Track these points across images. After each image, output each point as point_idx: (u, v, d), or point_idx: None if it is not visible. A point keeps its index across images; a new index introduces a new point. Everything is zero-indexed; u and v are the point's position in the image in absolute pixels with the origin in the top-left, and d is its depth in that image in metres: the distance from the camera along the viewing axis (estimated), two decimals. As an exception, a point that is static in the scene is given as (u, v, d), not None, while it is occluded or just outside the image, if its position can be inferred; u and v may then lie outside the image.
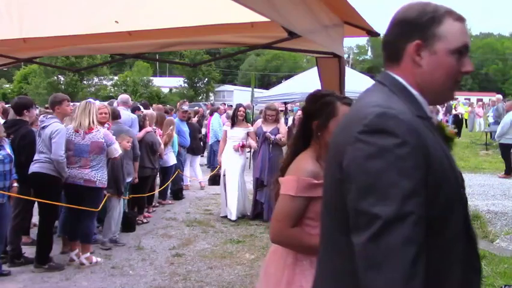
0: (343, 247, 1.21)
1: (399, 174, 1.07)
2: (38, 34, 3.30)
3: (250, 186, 7.30)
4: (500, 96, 17.71)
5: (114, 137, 5.18)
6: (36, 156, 4.78)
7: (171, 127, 7.57)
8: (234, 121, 7.12)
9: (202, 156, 13.22)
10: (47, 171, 4.68)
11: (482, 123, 21.93)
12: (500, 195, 8.33)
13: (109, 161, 5.21)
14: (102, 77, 36.77)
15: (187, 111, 9.33)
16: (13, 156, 4.47)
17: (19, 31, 3.20)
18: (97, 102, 5.48)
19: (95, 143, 4.90)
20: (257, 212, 6.90)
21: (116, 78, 41.10)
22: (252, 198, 7.03)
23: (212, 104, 19.83)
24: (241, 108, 7.18)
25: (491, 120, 14.19)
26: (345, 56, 3.22)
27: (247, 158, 7.56)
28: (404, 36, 1.27)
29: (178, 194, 8.40)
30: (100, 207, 5.10)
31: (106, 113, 5.50)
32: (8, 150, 4.43)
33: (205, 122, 12.75)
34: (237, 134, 7.00)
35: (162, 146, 6.95)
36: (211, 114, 11.64)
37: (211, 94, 47.28)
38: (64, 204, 5.04)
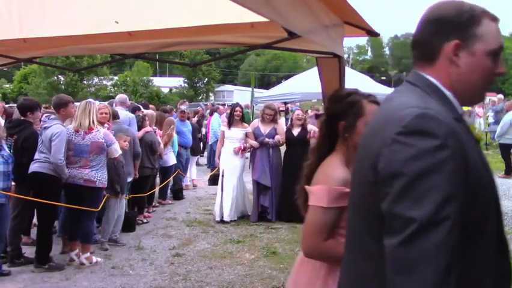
0: (372, 251, 1.17)
1: (439, 177, 1.03)
2: (38, 34, 3.29)
3: (250, 186, 7.28)
4: (501, 96, 17.71)
5: (114, 138, 5.18)
6: (36, 156, 4.78)
7: (171, 127, 7.57)
8: (230, 121, 7.04)
9: (202, 156, 13.24)
10: (47, 171, 4.68)
11: (482, 123, 21.92)
12: (500, 195, 8.32)
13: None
14: (102, 77, 36.77)
15: (184, 111, 9.33)
16: (13, 156, 4.48)
17: (19, 31, 3.20)
18: (97, 103, 5.48)
19: (95, 143, 4.90)
20: (259, 214, 6.84)
21: (116, 78, 41.09)
22: (253, 200, 6.97)
23: (212, 104, 19.81)
24: (238, 108, 7.06)
25: (491, 120, 14.20)
26: (345, 56, 3.22)
27: (247, 158, 7.51)
28: (441, 35, 1.23)
29: (178, 194, 8.40)
30: (99, 207, 5.10)
31: (106, 113, 5.52)
32: (7, 150, 4.43)
33: (205, 122, 12.76)
34: (235, 135, 6.93)
35: (162, 145, 6.94)
36: (211, 114, 11.65)
37: (211, 94, 47.28)
38: (64, 204, 5.04)
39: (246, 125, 7.12)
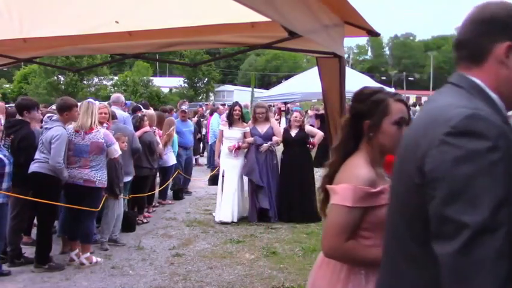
0: (414, 253, 1.14)
1: (492, 180, 0.99)
2: (38, 34, 3.29)
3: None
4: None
5: (114, 138, 5.18)
6: (36, 155, 4.77)
7: (172, 127, 7.57)
8: (230, 121, 6.99)
9: (202, 156, 13.24)
10: (47, 171, 4.68)
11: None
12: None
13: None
14: (102, 77, 36.74)
15: (185, 111, 9.33)
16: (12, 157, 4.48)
17: (19, 31, 3.20)
18: (97, 103, 5.48)
19: (95, 143, 4.89)
20: (259, 215, 6.79)
21: (116, 78, 41.07)
22: (249, 200, 6.90)
23: (213, 104, 19.82)
24: (237, 108, 7.01)
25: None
26: (345, 56, 3.22)
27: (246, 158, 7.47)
28: (491, 36, 1.18)
29: (178, 194, 8.40)
30: (99, 207, 5.10)
31: (106, 113, 5.52)
32: (5, 150, 4.44)
33: (205, 122, 12.76)
34: (234, 135, 6.88)
35: (160, 145, 6.92)
36: (211, 114, 11.65)
37: (211, 94, 47.28)
38: (64, 205, 5.04)
39: (245, 124, 7.09)
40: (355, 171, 1.81)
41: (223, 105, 15.81)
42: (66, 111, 4.82)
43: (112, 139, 5.07)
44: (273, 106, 16.65)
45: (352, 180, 1.78)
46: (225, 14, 2.76)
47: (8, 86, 42.91)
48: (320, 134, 7.02)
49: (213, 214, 6.99)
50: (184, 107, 9.88)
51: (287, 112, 14.63)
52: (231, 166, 6.86)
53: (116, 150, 5.12)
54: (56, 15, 3.08)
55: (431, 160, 1.07)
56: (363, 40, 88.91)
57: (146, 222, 6.70)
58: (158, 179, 7.83)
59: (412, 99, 37.77)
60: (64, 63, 28.58)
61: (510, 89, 1.20)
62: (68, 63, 29.42)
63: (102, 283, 4.52)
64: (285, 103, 15.12)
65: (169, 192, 8.35)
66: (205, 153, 12.59)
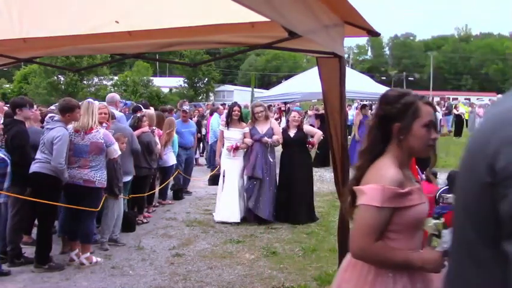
0: (484, 256, 1.11)
1: None
2: (38, 34, 3.30)
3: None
4: (500, 97, 17.70)
5: (113, 138, 5.18)
6: (38, 155, 4.78)
7: (172, 127, 7.57)
8: (228, 121, 6.98)
9: (202, 156, 13.24)
10: (47, 172, 4.68)
11: (483, 123, 21.89)
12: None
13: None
14: (102, 77, 36.72)
15: (186, 111, 9.32)
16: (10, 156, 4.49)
17: (19, 31, 3.20)
18: (96, 102, 5.48)
19: (94, 143, 4.89)
20: (254, 216, 6.73)
21: (116, 78, 41.07)
22: (245, 200, 6.85)
23: (212, 104, 19.82)
24: (236, 108, 6.98)
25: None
26: (345, 56, 3.22)
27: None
28: None
29: (178, 194, 8.40)
30: (99, 207, 5.10)
31: (105, 113, 5.52)
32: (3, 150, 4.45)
33: (205, 122, 12.76)
34: (233, 136, 6.86)
35: (159, 145, 6.91)
36: (211, 114, 11.64)
37: (211, 94, 47.29)
38: (64, 205, 5.04)
39: (244, 124, 7.05)
40: (383, 172, 1.81)
41: (223, 105, 15.81)
42: (68, 112, 4.81)
43: (111, 139, 5.07)
44: (274, 106, 16.66)
45: (380, 181, 1.78)
46: (225, 14, 2.76)
47: (8, 86, 42.91)
48: (319, 133, 7.01)
49: (213, 214, 6.99)
50: (185, 107, 9.86)
51: (287, 112, 14.65)
52: (231, 166, 6.85)
53: (116, 150, 5.12)
54: (56, 15, 3.08)
55: (504, 157, 1.03)
56: (363, 40, 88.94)
57: (146, 222, 6.70)
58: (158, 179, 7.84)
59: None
60: (64, 63, 28.56)
61: None
62: (68, 63, 29.41)
63: (102, 283, 4.52)
64: (285, 103, 15.14)
65: (169, 192, 8.35)
66: (205, 153, 12.59)
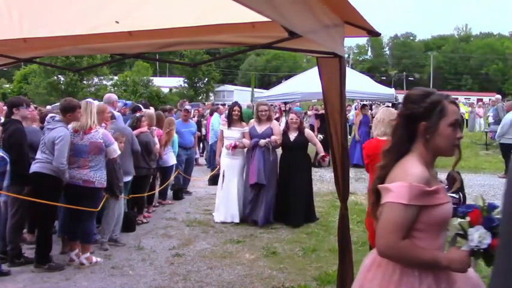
0: None
1: None
2: (38, 34, 3.29)
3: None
4: (499, 97, 17.72)
5: (113, 138, 5.17)
6: (38, 155, 4.78)
7: (171, 127, 7.57)
8: (229, 120, 6.96)
9: (202, 156, 13.24)
10: (48, 172, 4.68)
11: (483, 123, 21.95)
12: (501, 195, 8.30)
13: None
14: (102, 77, 36.73)
15: (187, 110, 9.32)
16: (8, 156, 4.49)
17: (19, 31, 3.20)
18: (96, 102, 5.48)
19: (93, 143, 4.89)
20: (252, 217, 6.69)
21: (116, 78, 41.07)
22: (249, 201, 6.77)
23: (212, 103, 19.83)
24: (236, 108, 6.98)
25: (491, 120, 14.22)
26: (345, 56, 3.22)
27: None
28: None
29: (178, 194, 8.40)
30: (99, 207, 5.10)
31: (108, 113, 5.57)
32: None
33: (205, 122, 12.75)
34: (233, 135, 6.85)
35: (157, 146, 6.90)
36: (211, 114, 11.64)
37: (211, 94, 47.28)
38: (63, 205, 5.04)
39: (244, 124, 7.04)
40: (410, 170, 1.80)
41: (223, 105, 15.81)
42: (69, 112, 4.82)
43: (110, 139, 5.07)
44: (275, 106, 16.63)
45: (407, 179, 1.77)
46: (225, 14, 2.76)
47: (8, 86, 42.93)
48: (319, 145, 6.87)
49: (213, 214, 6.98)
50: (187, 107, 9.85)
51: (288, 112, 14.65)
52: (231, 166, 6.84)
53: (115, 150, 5.12)
54: (56, 15, 3.08)
55: None
56: (363, 40, 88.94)
57: (146, 222, 6.70)
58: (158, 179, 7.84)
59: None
60: (64, 63, 28.58)
61: None
62: (68, 63, 29.43)
63: (102, 283, 4.52)
64: (285, 103, 15.14)
65: (169, 192, 8.35)
66: (205, 153, 12.58)
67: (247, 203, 6.74)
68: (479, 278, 1.97)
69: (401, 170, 1.83)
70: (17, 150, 4.78)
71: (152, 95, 37.40)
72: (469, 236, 1.80)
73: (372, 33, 3.05)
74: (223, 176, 6.86)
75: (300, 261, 5.15)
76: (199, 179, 9.79)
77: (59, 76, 34.00)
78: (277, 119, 13.10)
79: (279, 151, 6.99)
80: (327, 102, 3.31)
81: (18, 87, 37.66)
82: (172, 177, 7.98)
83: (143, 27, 3.14)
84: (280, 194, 6.72)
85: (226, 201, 6.75)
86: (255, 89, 49.02)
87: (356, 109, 16.27)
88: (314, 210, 6.93)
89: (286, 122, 7.47)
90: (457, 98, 46.08)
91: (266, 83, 61.17)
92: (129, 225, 6.21)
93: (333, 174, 3.43)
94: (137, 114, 7.03)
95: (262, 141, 6.65)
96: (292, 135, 6.79)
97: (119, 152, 5.21)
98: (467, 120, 23.17)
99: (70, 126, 4.93)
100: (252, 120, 7.06)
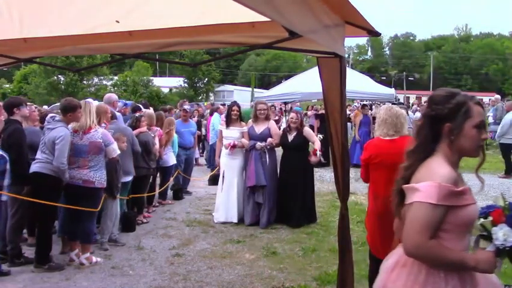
0: None
1: None
2: (39, 34, 3.29)
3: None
4: (498, 97, 17.71)
5: (112, 138, 5.17)
6: (38, 155, 4.78)
7: (171, 127, 7.57)
8: (228, 120, 6.95)
9: (202, 156, 13.24)
10: (48, 172, 4.68)
11: (482, 123, 21.87)
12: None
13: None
14: (102, 77, 36.71)
15: (186, 110, 9.32)
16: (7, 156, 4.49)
17: (19, 31, 3.20)
18: (95, 102, 5.48)
19: (93, 143, 4.89)
20: (254, 219, 6.67)
21: (116, 78, 41.07)
22: (243, 202, 6.79)
23: (212, 103, 19.82)
24: (235, 108, 6.97)
25: (491, 120, 14.24)
26: (345, 56, 3.21)
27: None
28: None
29: (178, 194, 8.40)
30: (99, 207, 5.10)
31: (109, 113, 5.59)
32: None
33: (205, 122, 12.75)
34: (232, 135, 6.84)
35: (157, 146, 6.90)
36: (211, 114, 11.63)
37: (211, 94, 47.28)
38: (63, 205, 5.03)
39: (243, 124, 7.04)
40: (438, 170, 1.79)
41: (223, 105, 15.81)
42: (70, 112, 4.82)
43: (110, 139, 5.07)
44: (275, 108, 16.58)
45: (435, 178, 1.76)
46: (225, 14, 2.76)
47: (8, 86, 42.92)
48: (317, 143, 6.76)
49: (213, 214, 6.98)
50: (186, 107, 9.84)
51: (289, 111, 14.65)
52: (230, 166, 6.83)
53: (115, 149, 5.12)
54: (56, 15, 3.08)
55: None
56: (363, 40, 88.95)
57: (146, 222, 6.70)
58: (158, 179, 7.84)
59: (412, 99, 37.75)
60: (64, 63, 28.56)
61: None
62: (68, 63, 29.41)
63: (102, 283, 4.52)
64: (285, 103, 15.13)
65: (169, 192, 8.35)
66: (205, 153, 12.58)
67: (247, 206, 6.72)
68: (498, 280, 1.98)
69: (428, 170, 1.82)
70: (16, 151, 4.78)
71: (152, 95, 37.39)
72: (493, 235, 1.79)
73: (372, 33, 3.05)
74: (223, 176, 6.85)
75: (300, 261, 5.15)
76: (199, 179, 9.79)
77: (59, 76, 33.98)
78: (277, 121, 13.09)
79: (279, 151, 6.98)
80: (327, 102, 3.30)
81: (18, 87, 37.65)
82: (171, 178, 7.98)
83: (143, 27, 3.13)
84: (281, 194, 6.71)
85: (226, 202, 6.74)
86: (255, 89, 49.06)
87: (356, 109, 16.23)
88: (315, 212, 6.86)
89: (287, 122, 7.45)
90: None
91: (266, 83, 61.18)
92: (129, 225, 6.21)
93: (333, 174, 3.43)
94: (137, 114, 7.03)
95: (258, 145, 6.64)
96: (291, 136, 6.76)
97: (118, 152, 5.21)
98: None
99: (70, 126, 4.93)
100: (250, 120, 7.05)
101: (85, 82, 35.29)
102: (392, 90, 14.37)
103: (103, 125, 5.44)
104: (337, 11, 2.64)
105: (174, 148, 7.80)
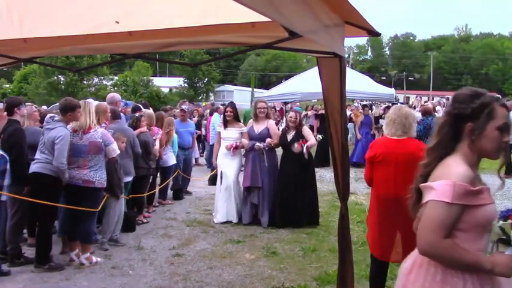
0: None
1: None
2: (38, 34, 3.29)
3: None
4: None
5: (112, 137, 5.17)
6: (37, 155, 4.78)
7: (171, 127, 7.57)
8: (225, 122, 6.94)
9: (202, 156, 13.24)
10: (48, 172, 4.68)
11: (482, 123, 21.89)
12: (501, 195, 8.31)
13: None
14: (102, 77, 36.69)
15: (184, 110, 9.32)
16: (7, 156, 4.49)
17: (19, 31, 3.20)
18: (95, 102, 5.48)
19: (93, 143, 4.89)
20: (252, 219, 6.68)
21: (116, 78, 41.05)
22: (247, 204, 6.78)
23: (212, 103, 19.81)
24: (228, 109, 6.95)
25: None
26: (345, 56, 3.21)
27: (243, 157, 7.43)
28: None
29: (178, 194, 8.40)
30: (99, 208, 5.10)
31: (108, 112, 5.61)
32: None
33: (205, 122, 12.75)
34: (231, 135, 6.82)
35: (157, 146, 6.90)
36: (211, 114, 11.63)
37: (211, 94, 47.26)
38: (63, 205, 5.03)
39: (241, 124, 7.04)
40: (454, 169, 1.78)
41: (223, 105, 15.81)
42: (69, 112, 4.82)
43: (110, 138, 5.07)
44: (276, 109, 16.54)
45: (451, 177, 1.74)
46: (225, 14, 2.76)
47: (8, 86, 42.88)
48: (312, 141, 6.71)
49: (213, 214, 6.98)
50: (183, 107, 9.84)
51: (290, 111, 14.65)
52: (228, 167, 6.80)
53: (115, 149, 5.12)
54: (56, 15, 3.08)
55: None
56: (363, 40, 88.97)
57: (146, 222, 6.70)
58: (158, 179, 7.84)
59: (412, 99, 37.75)
60: (64, 63, 28.54)
61: None
62: (68, 63, 29.38)
63: (102, 283, 4.52)
64: (285, 103, 15.13)
65: (169, 192, 8.35)
66: (205, 153, 12.58)
67: (245, 206, 6.72)
68: None
69: (445, 169, 1.81)
70: (17, 151, 4.78)
71: (152, 95, 37.36)
72: None
73: (372, 33, 3.05)
74: (221, 177, 6.84)
75: (300, 261, 5.15)
76: (199, 179, 9.79)
77: (59, 76, 33.95)
78: (277, 123, 13.07)
79: (279, 151, 6.97)
80: (327, 102, 3.30)
81: (18, 87, 37.62)
82: (171, 178, 7.98)
83: (143, 27, 3.13)
84: (281, 193, 6.68)
85: (225, 203, 6.72)
86: (255, 89, 49.00)
87: (352, 111, 16.16)
88: (318, 214, 6.71)
89: (287, 121, 7.44)
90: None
91: (266, 83, 61.15)
92: (129, 225, 6.21)
93: (333, 174, 3.43)
94: (137, 114, 7.04)
95: (256, 146, 6.64)
96: (290, 135, 6.73)
97: (118, 152, 5.21)
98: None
99: (70, 126, 4.93)
100: (251, 121, 7.04)
101: (85, 82, 35.27)
102: (392, 90, 14.38)
103: (103, 124, 5.43)
104: (337, 11, 2.64)
105: (174, 148, 7.80)
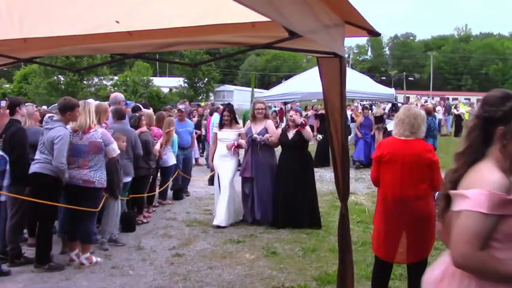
0: None
1: None
2: (38, 34, 3.29)
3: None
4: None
5: (112, 137, 5.17)
6: (37, 155, 4.78)
7: (171, 127, 7.56)
8: (221, 123, 6.92)
9: (202, 156, 13.24)
10: (48, 172, 4.68)
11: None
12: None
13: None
14: (102, 77, 36.67)
15: (181, 110, 9.32)
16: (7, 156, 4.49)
17: (19, 31, 3.20)
18: (95, 102, 5.48)
19: (93, 143, 4.89)
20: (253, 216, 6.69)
21: (116, 78, 41.04)
22: (242, 201, 6.83)
23: (212, 103, 19.81)
24: (225, 113, 6.89)
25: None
26: (345, 56, 3.21)
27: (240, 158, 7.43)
28: None
29: (178, 194, 8.39)
30: (99, 208, 5.10)
31: (108, 112, 5.61)
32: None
33: (205, 122, 12.74)
34: (228, 136, 6.78)
35: (157, 146, 6.90)
36: (211, 114, 11.63)
37: (211, 94, 47.25)
38: (63, 205, 5.04)
39: (239, 125, 7.03)
40: (488, 176, 1.69)
41: (223, 105, 15.79)
42: (68, 111, 4.82)
43: (110, 138, 5.07)
44: (276, 112, 16.52)
45: (485, 185, 1.66)
46: (225, 14, 2.76)
47: (8, 86, 42.87)
48: (310, 134, 6.75)
49: (213, 214, 6.97)
50: (181, 106, 9.83)
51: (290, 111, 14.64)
52: (225, 168, 6.76)
53: (115, 149, 5.11)
54: (56, 15, 3.08)
55: None
56: (363, 40, 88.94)
57: (146, 222, 6.70)
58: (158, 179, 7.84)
59: (412, 99, 37.77)
60: (64, 63, 28.53)
61: None
62: (68, 63, 29.37)
63: (102, 283, 4.52)
64: (285, 103, 15.13)
65: (169, 192, 8.34)
66: (205, 153, 12.57)
67: (247, 205, 6.74)
68: None
69: (478, 176, 1.73)
70: (18, 151, 4.79)
71: (152, 95, 37.35)
72: None
73: (372, 33, 3.05)
74: (218, 178, 6.80)
75: (300, 261, 5.15)
76: (199, 179, 9.79)
77: (59, 76, 33.95)
78: (277, 127, 13.05)
79: (278, 151, 6.97)
80: (327, 102, 3.30)
81: (18, 87, 37.60)
82: (171, 179, 7.97)
83: (143, 27, 3.13)
84: (279, 192, 6.64)
85: (224, 207, 6.64)
86: (255, 89, 48.99)
87: (352, 111, 16.17)
88: (319, 215, 6.65)
89: (287, 121, 7.44)
90: (457, 98, 46.15)
91: (266, 83, 61.16)
92: (129, 225, 6.21)
93: (333, 174, 3.43)
94: (137, 114, 7.04)
95: (254, 136, 6.68)
96: (291, 134, 6.72)
97: (118, 151, 5.21)
98: (467, 120, 23.12)
99: (69, 126, 4.93)
100: (248, 122, 7.04)
101: (85, 82, 35.26)
102: (392, 90, 14.37)
103: (103, 124, 5.43)
104: (337, 11, 2.64)
105: (174, 148, 7.79)
